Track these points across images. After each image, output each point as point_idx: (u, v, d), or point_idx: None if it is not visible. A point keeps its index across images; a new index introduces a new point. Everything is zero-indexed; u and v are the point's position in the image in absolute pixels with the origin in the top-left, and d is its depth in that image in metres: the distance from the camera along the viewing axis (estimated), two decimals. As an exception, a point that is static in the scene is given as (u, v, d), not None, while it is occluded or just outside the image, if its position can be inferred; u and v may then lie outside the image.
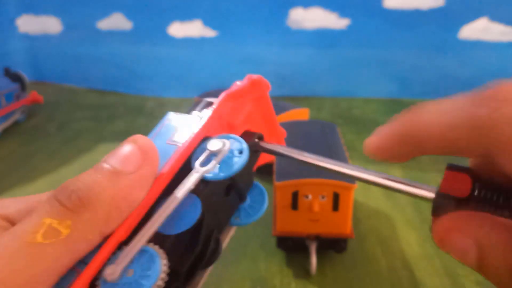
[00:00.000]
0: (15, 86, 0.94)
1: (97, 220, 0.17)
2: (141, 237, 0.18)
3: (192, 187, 0.19)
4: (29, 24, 1.24)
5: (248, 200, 0.24)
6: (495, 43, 1.04)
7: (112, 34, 1.19)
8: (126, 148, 0.20)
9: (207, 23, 1.13)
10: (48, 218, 0.16)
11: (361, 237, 0.53)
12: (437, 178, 0.71)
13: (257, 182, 0.23)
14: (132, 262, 0.17)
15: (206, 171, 0.20)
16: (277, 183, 0.45)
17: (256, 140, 0.22)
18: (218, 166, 0.20)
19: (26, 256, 0.16)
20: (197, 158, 0.21)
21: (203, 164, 0.20)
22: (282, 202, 0.46)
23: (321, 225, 0.46)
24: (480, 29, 1.04)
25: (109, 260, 0.18)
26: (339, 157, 0.49)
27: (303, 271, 0.47)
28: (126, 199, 0.18)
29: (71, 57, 1.24)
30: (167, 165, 0.20)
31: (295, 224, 0.46)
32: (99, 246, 0.18)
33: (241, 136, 0.22)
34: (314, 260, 0.46)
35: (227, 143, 0.21)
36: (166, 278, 0.18)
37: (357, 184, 0.45)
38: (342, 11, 1.08)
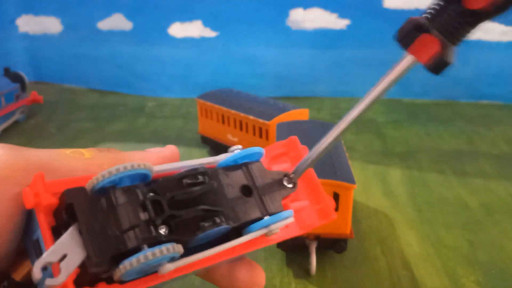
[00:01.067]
0: (15, 86, 0.94)
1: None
2: None
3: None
4: (29, 24, 1.24)
5: None
6: (495, 43, 1.05)
7: (112, 34, 1.19)
8: None
9: (207, 23, 1.14)
10: None
11: (361, 237, 0.53)
12: (437, 178, 0.71)
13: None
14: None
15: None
16: (277, 183, 0.45)
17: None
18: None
19: None
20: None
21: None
22: (282, 202, 0.46)
23: (321, 225, 0.46)
24: (480, 29, 1.04)
25: None
26: (339, 157, 0.49)
27: (303, 271, 0.47)
28: None
29: (71, 57, 1.24)
30: None
31: (295, 224, 0.46)
32: None
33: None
34: (314, 260, 0.46)
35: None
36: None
37: (357, 185, 0.45)
38: (342, 12, 1.08)
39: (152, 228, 0.17)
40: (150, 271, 0.17)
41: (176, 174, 0.19)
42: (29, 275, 0.19)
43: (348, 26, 1.09)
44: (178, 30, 1.15)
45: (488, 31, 1.04)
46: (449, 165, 0.72)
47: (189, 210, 0.18)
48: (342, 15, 1.08)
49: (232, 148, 0.21)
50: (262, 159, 0.22)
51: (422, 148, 0.79)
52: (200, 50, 1.15)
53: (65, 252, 0.15)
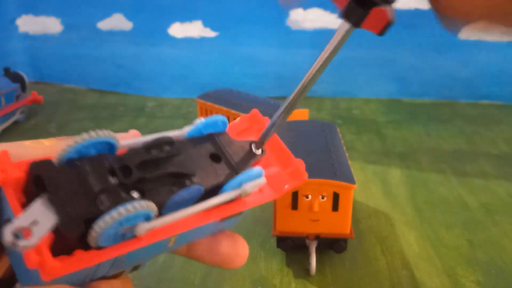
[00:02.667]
0: (15, 86, 0.94)
1: None
2: None
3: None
4: (29, 24, 1.24)
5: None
6: (495, 43, 1.05)
7: (112, 34, 1.19)
8: None
9: (207, 24, 1.14)
10: None
11: (360, 237, 0.53)
12: (437, 178, 0.71)
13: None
14: None
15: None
16: (277, 183, 0.45)
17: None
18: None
19: None
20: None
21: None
22: (282, 202, 0.46)
23: (321, 225, 0.46)
24: (480, 29, 1.04)
25: None
26: (339, 157, 0.49)
27: (303, 271, 0.47)
28: None
29: (71, 57, 1.24)
30: None
31: (295, 224, 0.46)
32: None
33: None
34: (314, 260, 0.46)
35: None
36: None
37: (357, 185, 0.45)
38: (342, 11, 1.08)
39: (123, 191, 0.17)
40: (127, 236, 0.17)
41: (142, 144, 0.19)
42: (9, 270, 0.18)
43: (348, 26, 1.08)
44: (178, 30, 1.15)
45: (488, 31, 1.04)
46: (449, 165, 0.72)
47: (159, 172, 0.18)
48: (342, 15, 1.08)
49: (195, 121, 0.21)
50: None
51: (422, 148, 0.79)
52: (200, 50, 1.15)
53: (36, 218, 0.15)
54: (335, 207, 0.45)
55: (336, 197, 0.44)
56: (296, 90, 0.20)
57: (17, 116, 0.94)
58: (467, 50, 1.05)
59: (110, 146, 0.18)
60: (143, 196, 0.17)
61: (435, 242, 0.52)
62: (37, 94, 0.98)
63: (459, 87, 1.08)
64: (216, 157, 0.20)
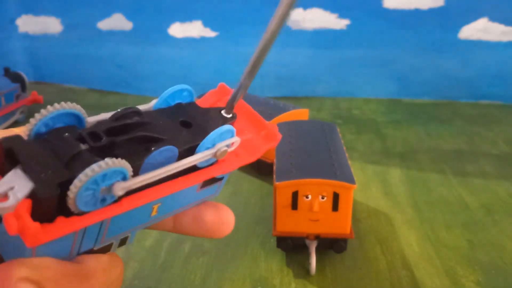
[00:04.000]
0: (15, 86, 0.94)
1: None
2: None
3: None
4: (29, 24, 1.24)
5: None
6: (495, 43, 1.05)
7: (112, 34, 1.19)
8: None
9: (207, 23, 1.14)
10: None
11: (360, 237, 0.53)
12: (437, 178, 0.72)
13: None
14: None
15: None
16: (277, 183, 0.45)
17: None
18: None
19: None
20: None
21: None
22: (282, 202, 0.46)
23: (321, 225, 0.46)
24: (480, 29, 1.04)
25: None
26: (339, 157, 0.49)
27: (303, 271, 0.47)
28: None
29: (71, 57, 1.24)
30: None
31: (295, 224, 0.46)
32: None
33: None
34: (314, 260, 0.46)
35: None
36: None
37: (357, 185, 0.45)
38: (342, 12, 1.08)
39: (95, 156, 0.17)
40: (107, 201, 0.17)
41: (110, 115, 0.19)
42: None
43: (348, 26, 1.09)
44: (178, 30, 1.15)
45: (488, 31, 1.04)
46: (449, 165, 0.72)
47: (129, 136, 0.18)
48: (342, 15, 1.08)
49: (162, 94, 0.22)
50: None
51: (422, 148, 0.79)
52: (200, 50, 1.15)
53: (12, 185, 0.15)
54: (335, 207, 0.45)
55: (336, 197, 0.44)
56: (259, 46, 0.20)
57: (17, 116, 0.94)
58: (467, 50, 1.05)
59: (78, 120, 0.18)
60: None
61: (435, 242, 0.52)
62: (37, 94, 0.98)
63: (459, 87, 1.08)
64: (186, 124, 0.20)
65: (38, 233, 0.15)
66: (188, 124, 0.20)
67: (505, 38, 1.04)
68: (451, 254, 0.50)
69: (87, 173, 0.15)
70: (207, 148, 0.19)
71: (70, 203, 0.16)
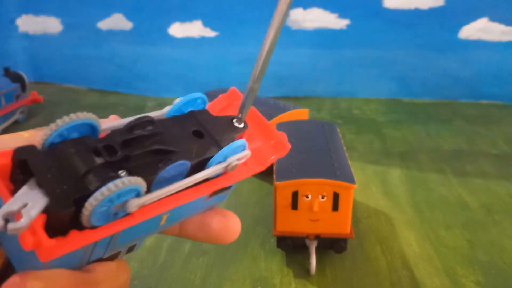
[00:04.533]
0: (15, 86, 0.94)
1: None
2: None
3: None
4: (29, 24, 1.24)
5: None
6: (495, 43, 1.05)
7: (112, 34, 1.19)
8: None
9: (207, 23, 1.14)
10: None
11: (361, 237, 0.53)
12: (437, 178, 0.72)
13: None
14: None
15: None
16: (277, 183, 0.45)
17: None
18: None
19: None
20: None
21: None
22: (282, 202, 0.46)
23: (321, 225, 0.46)
24: (480, 29, 1.04)
25: None
26: (339, 157, 0.49)
27: (303, 271, 0.47)
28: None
29: (71, 57, 1.24)
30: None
31: (295, 224, 0.46)
32: None
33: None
34: (314, 260, 0.46)
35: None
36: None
37: (357, 184, 0.45)
38: (342, 12, 1.08)
39: (110, 170, 0.17)
40: (119, 214, 0.17)
41: (124, 125, 0.19)
42: (4, 262, 0.18)
43: (348, 26, 1.09)
44: (178, 30, 1.15)
45: (488, 31, 1.04)
46: (449, 165, 0.72)
47: (143, 150, 0.18)
48: (342, 15, 1.08)
49: (174, 101, 0.21)
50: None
51: (422, 148, 0.79)
52: (200, 50, 1.15)
53: (26, 201, 0.15)
54: (335, 207, 0.45)
55: (336, 197, 0.44)
56: (263, 48, 0.20)
57: (17, 116, 0.94)
58: (467, 50, 1.05)
59: (92, 129, 0.18)
60: (130, 174, 0.17)
61: (435, 242, 0.52)
62: (37, 94, 0.98)
63: (459, 87, 1.08)
64: (198, 134, 0.20)
65: (52, 248, 0.15)
66: (200, 134, 0.20)
67: (505, 38, 1.04)
68: (451, 254, 0.50)
69: (103, 192, 0.15)
70: (219, 162, 0.19)
71: (84, 219, 0.16)
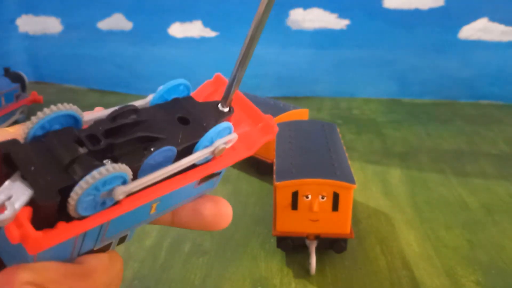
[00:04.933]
0: (15, 86, 0.94)
1: None
2: None
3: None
4: (29, 24, 1.24)
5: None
6: (495, 43, 1.05)
7: (112, 34, 1.19)
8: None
9: (207, 23, 1.14)
10: None
11: (360, 237, 0.53)
12: (437, 178, 0.72)
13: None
14: None
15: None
16: (277, 183, 0.45)
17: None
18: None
19: None
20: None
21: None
22: (282, 202, 0.46)
23: (321, 225, 0.46)
24: (480, 29, 1.04)
25: None
26: (339, 157, 0.49)
27: (303, 271, 0.47)
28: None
29: (71, 57, 1.24)
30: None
31: (295, 224, 0.46)
32: None
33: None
34: (314, 260, 0.46)
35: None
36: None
37: (357, 185, 0.45)
38: (342, 12, 1.08)
39: (94, 159, 0.16)
40: (107, 203, 0.16)
41: (107, 114, 0.19)
42: None
43: (348, 26, 1.09)
44: (178, 30, 1.15)
45: (488, 31, 1.04)
46: (449, 165, 0.72)
47: (128, 138, 0.18)
48: (342, 15, 1.08)
49: (158, 88, 0.21)
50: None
51: (422, 148, 0.79)
52: (200, 50, 1.15)
53: (10, 194, 0.15)
54: (335, 207, 0.45)
55: (336, 197, 0.44)
56: (248, 36, 0.20)
57: (17, 116, 0.94)
58: (467, 50, 1.05)
59: (75, 120, 0.18)
60: (116, 162, 0.17)
61: (435, 242, 0.52)
62: (37, 94, 0.98)
63: (459, 87, 1.08)
64: (184, 120, 0.20)
65: (39, 240, 0.15)
66: (186, 121, 0.20)
67: (505, 38, 1.04)
68: (451, 254, 0.50)
69: (88, 180, 0.15)
70: (205, 146, 0.19)
71: (71, 209, 0.16)
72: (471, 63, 1.06)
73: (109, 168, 0.15)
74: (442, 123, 0.92)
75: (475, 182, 0.66)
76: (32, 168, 0.16)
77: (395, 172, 0.70)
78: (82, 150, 0.17)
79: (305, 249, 0.47)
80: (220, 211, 0.22)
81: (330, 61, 1.11)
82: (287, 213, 0.46)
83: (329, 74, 1.13)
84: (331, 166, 0.47)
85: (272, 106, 0.70)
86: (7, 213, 0.14)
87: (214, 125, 0.20)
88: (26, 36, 1.25)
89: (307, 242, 0.47)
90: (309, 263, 0.46)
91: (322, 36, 1.10)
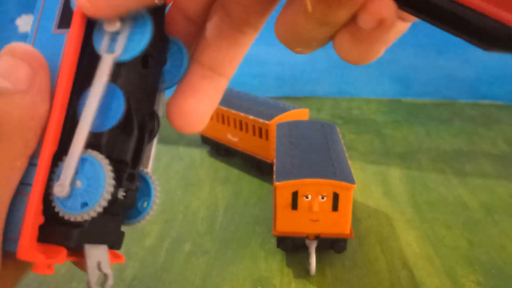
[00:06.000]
0: (15, 86, 0.94)
1: (16, 146, 0.17)
2: (76, 144, 0.17)
3: (107, 78, 0.18)
4: (29, 24, 1.24)
5: (168, 61, 0.22)
6: (495, 43, 1.04)
7: (112, 34, 1.19)
8: (7, 63, 0.18)
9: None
10: None
11: (360, 237, 0.53)
12: (437, 178, 0.72)
13: (173, 37, 0.21)
14: (76, 173, 0.17)
15: (116, 57, 0.18)
16: (277, 183, 0.45)
17: None
18: (125, 45, 0.18)
19: None
20: (98, 42, 0.18)
21: (110, 49, 0.18)
22: (282, 202, 0.46)
23: (321, 225, 0.46)
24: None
25: (55, 175, 0.18)
26: (339, 157, 0.49)
27: (303, 271, 0.47)
28: (33, 118, 0.17)
29: (71, 57, 1.24)
30: (65, 61, 0.18)
31: (295, 224, 0.46)
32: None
33: None
34: (314, 260, 0.46)
35: (125, 18, 0.18)
36: (113, 182, 0.18)
37: (356, 185, 0.45)
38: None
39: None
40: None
41: None
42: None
43: (348, 26, 1.08)
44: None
45: (488, 31, 1.04)
46: (449, 165, 0.72)
47: None
48: (342, 15, 1.08)
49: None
50: None
51: (422, 148, 0.79)
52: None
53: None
54: (335, 207, 0.45)
55: (336, 197, 0.44)
56: None
57: (17, 116, 0.94)
58: (467, 50, 1.05)
59: None
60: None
61: (435, 242, 0.52)
62: (37, 94, 0.98)
63: (459, 87, 1.08)
64: (144, 59, 0.20)
65: None
66: None
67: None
68: (451, 254, 0.50)
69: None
70: None
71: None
72: (471, 63, 1.06)
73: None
74: (442, 123, 0.92)
75: (475, 182, 0.66)
76: None
77: (395, 172, 0.70)
78: None
79: (305, 249, 0.47)
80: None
81: (330, 61, 1.11)
82: (287, 213, 0.46)
83: (329, 74, 1.13)
84: (331, 166, 0.47)
85: (272, 106, 0.70)
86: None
87: None
88: (26, 36, 1.25)
89: (307, 242, 0.47)
90: (309, 263, 0.46)
91: (322, 36, 1.10)
